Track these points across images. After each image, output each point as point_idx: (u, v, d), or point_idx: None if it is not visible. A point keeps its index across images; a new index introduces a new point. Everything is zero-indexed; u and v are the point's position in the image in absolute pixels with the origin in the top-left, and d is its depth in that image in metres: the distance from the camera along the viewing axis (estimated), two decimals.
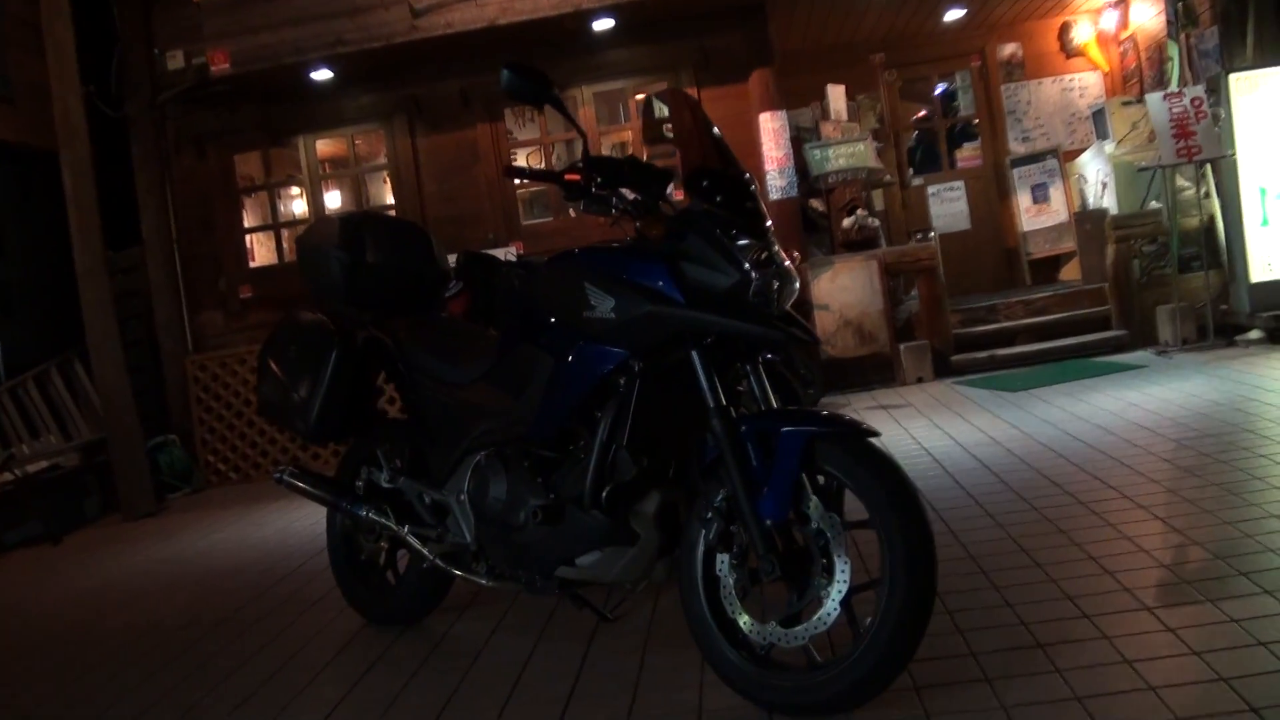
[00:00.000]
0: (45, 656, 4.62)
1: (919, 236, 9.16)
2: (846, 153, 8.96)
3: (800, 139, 9.21)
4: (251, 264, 9.57)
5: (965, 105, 10.76)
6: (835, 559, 2.67)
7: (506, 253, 8.44)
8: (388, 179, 9.52)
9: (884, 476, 2.64)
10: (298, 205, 10.54)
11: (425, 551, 3.68)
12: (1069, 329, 8.56)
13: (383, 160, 9.56)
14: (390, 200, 9.42)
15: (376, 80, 9.01)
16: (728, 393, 2.95)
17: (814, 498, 2.72)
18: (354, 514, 3.88)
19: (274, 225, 9.63)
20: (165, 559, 6.27)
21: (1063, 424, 5.78)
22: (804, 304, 8.53)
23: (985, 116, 10.45)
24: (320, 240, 4.02)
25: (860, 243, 8.77)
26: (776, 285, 2.83)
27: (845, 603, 2.66)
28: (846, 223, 8.80)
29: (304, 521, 6.44)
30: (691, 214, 2.89)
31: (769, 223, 2.92)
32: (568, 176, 3.05)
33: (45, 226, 8.60)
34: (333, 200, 10.09)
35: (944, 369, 8.46)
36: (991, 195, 10.39)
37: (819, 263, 8.61)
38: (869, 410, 7.38)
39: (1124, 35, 9.82)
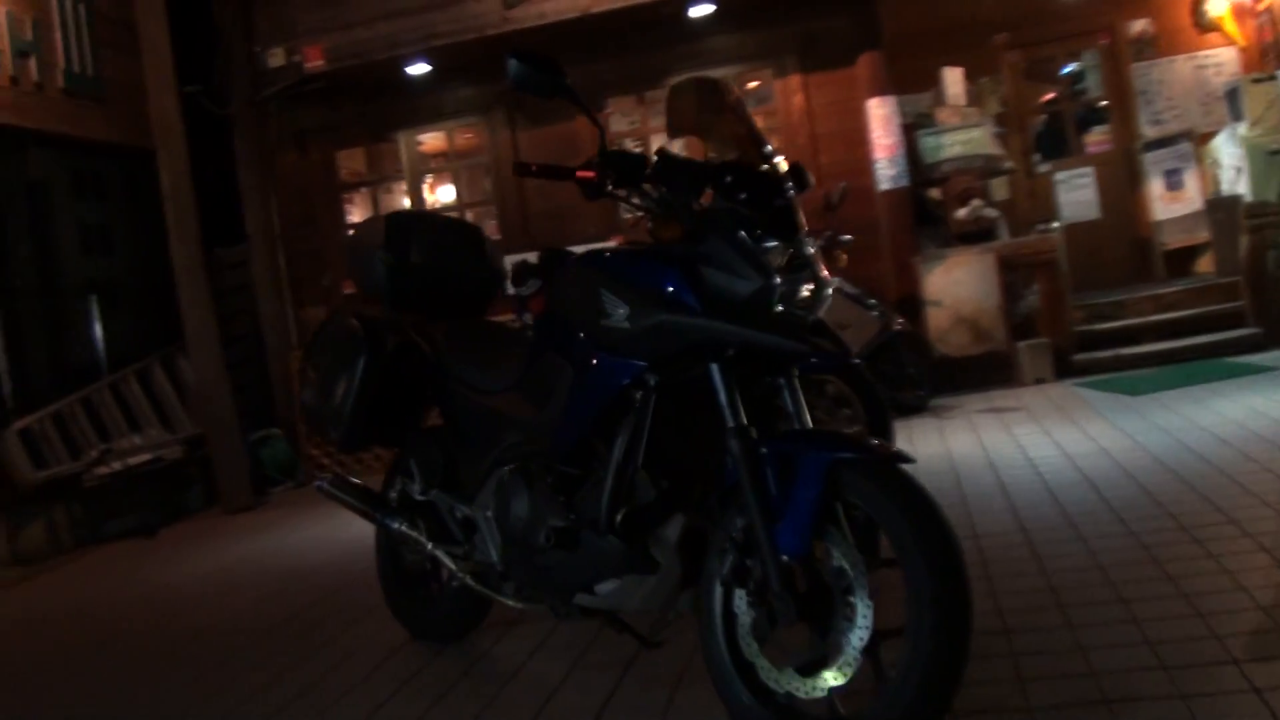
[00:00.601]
0: (96, 658, 4.60)
1: (1040, 227, 8.64)
2: (962, 139, 8.50)
3: (915, 125, 8.79)
4: None
5: (1093, 86, 10.11)
6: (857, 601, 2.38)
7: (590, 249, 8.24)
8: (488, 174, 9.41)
9: (911, 510, 2.33)
10: (405, 201, 10.52)
11: (455, 569, 3.49)
12: (1199, 326, 7.95)
13: (484, 155, 9.45)
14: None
15: (474, 73, 8.88)
16: (762, 409, 2.69)
17: (840, 531, 2.43)
18: (386, 527, 3.71)
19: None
20: (249, 556, 6.26)
21: (1180, 433, 5.29)
22: (915, 300, 8.13)
23: (1115, 98, 9.80)
24: (366, 240, 3.88)
25: (976, 234, 8.31)
26: (807, 292, 2.57)
27: (870, 651, 2.36)
28: (961, 213, 8.34)
29: None
30: (712, 213, 2.63)
31: (804, 224, 2.65)
32: (580, 174, 2.81)
33: (152, 223, 8.72)
34: (438, 196, 10.02)
35: (1065, 369, 7.94)
36: (1122, 182, 9.73)
37: (931, 256, 8.19)
38: (980, 414, 6.95)
39: (1261, 7, 9.08)
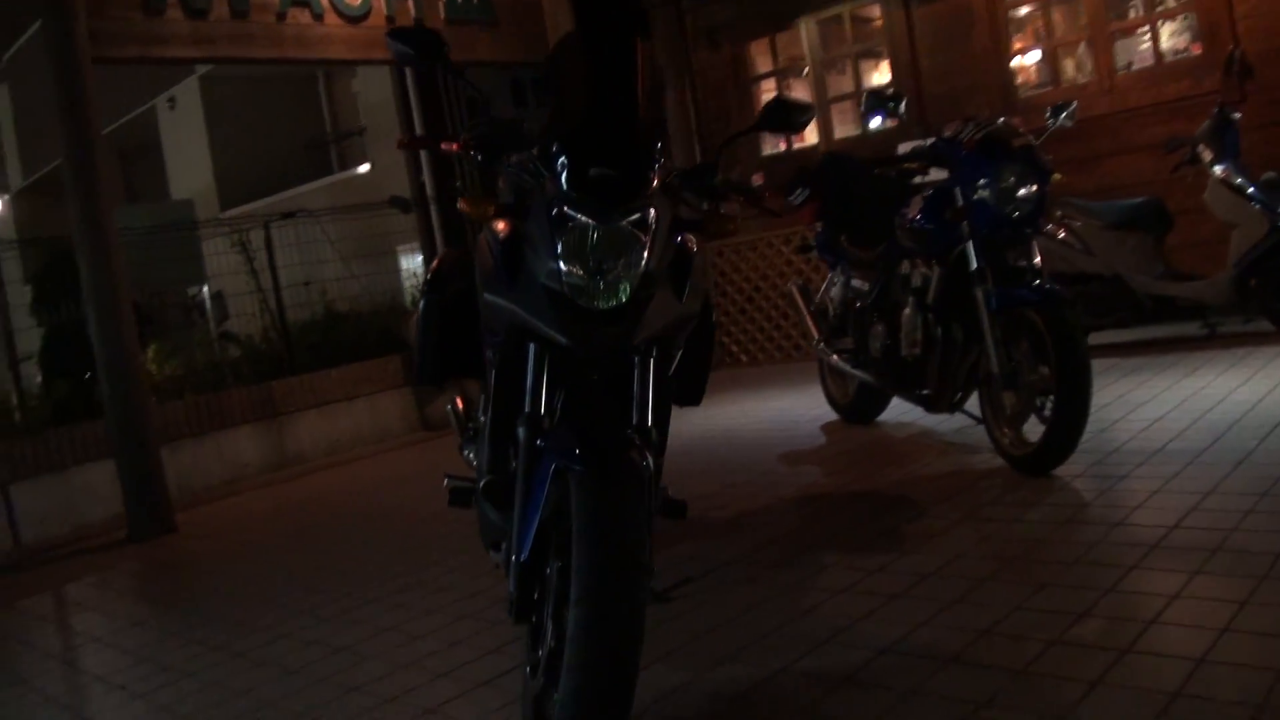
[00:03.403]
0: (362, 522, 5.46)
1: None
2: None
3: None
4: (764, 152, 9.67)
5: None
6: (547, 618, 2.30)
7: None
8: (885, 58, 9.00)
9: (595, 536, 2.16)
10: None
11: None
12: None
13: (879, 40, 9.04)
14: (885, 79, 8.94)
15: None
16: None
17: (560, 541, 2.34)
18: (460, 452, 3.94)
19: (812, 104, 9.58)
20: None
21: None
22: None
23: None
24: None
25: None
26: (617, 274, 2.37)
27: (547, 671, 2.29)
28: None
29: (723, 422, 6.54)
30: (538, 187, 2.54)
31: (649, 194, 2.41)
32: (443, 145, 2.85)
33: None
34: (836, 85, 9.74)
35: None
36: None
37: None
38: None
39: None
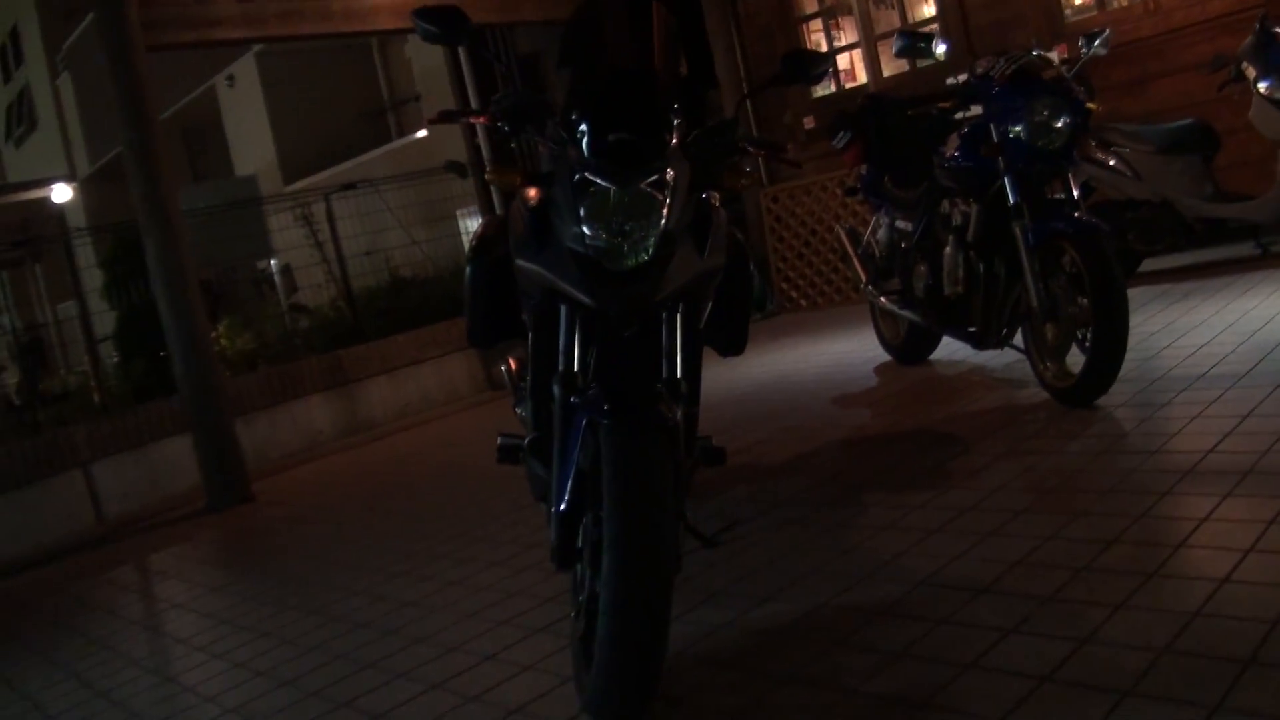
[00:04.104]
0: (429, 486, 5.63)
1: None
2: None
3: None
4: (814, 95, 9.64)
5: None
6: (585, 567, 2.43)
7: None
8: None
9: (622, 485, 2.29)
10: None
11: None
12: None
13: None
14: (931, 12, 8.85)
15: None
16: None
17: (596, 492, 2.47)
18: (515, 411, 4.06)
19: (829, 52, 9.54)
20: None
21: None
22: None
23: None
24: None
25: None
26: (637, 234, 2.47)
27: (587, 614, 2.42)
28: None
29: (783, 366, 6.66)
30: (560, 155, 2.65)
31: (666, 156, 2.51)
32: (472, 119, 2.96)
33: None
34: (884, 20, 9.66)
35: None
36: None
37: None
38: None
39: None
